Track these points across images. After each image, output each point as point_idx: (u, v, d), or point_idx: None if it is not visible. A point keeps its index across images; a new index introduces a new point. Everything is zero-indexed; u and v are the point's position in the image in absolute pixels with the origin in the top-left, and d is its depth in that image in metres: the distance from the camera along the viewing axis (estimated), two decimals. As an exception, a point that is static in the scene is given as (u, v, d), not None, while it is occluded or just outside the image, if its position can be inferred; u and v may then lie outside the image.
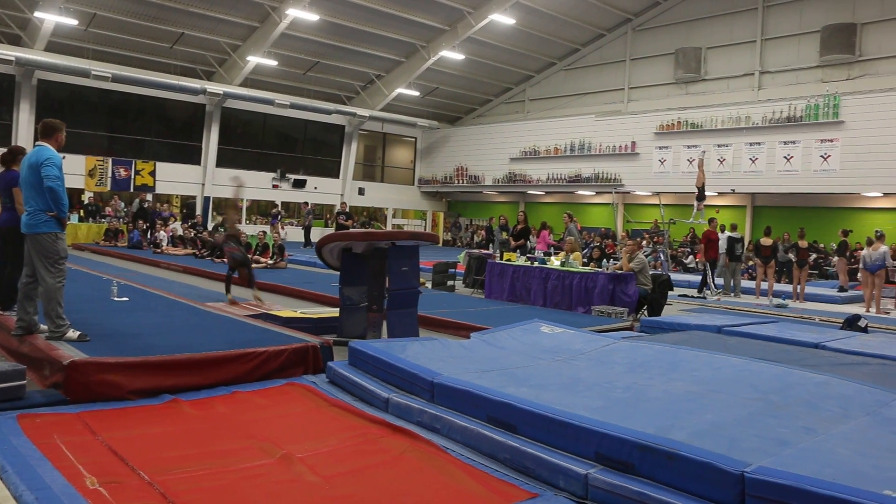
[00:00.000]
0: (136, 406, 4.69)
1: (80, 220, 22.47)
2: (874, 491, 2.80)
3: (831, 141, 19.65)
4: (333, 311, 7.96)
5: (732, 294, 14.56)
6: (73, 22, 21.13)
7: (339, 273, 7.59)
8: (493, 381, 4.61)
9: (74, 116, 23.96)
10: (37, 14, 20.57)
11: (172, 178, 24.98)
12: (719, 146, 21.96)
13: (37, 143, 5.81)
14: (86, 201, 23.44)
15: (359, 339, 6.43)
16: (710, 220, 15.32)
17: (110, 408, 4.60)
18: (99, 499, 3.15)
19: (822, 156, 19.81)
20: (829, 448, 3.45)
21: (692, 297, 13.93)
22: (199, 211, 25.20)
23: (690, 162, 22.49)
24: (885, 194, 19.66)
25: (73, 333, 5.57)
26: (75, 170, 23.27)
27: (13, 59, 20.67)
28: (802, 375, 4.99)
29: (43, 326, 5.69)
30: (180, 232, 21.18)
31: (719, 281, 15.04)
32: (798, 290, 14.11)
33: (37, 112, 22.56)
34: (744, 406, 4.22)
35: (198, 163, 25.76)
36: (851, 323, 9.37)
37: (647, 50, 25.83)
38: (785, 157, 20.52)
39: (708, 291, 14.25)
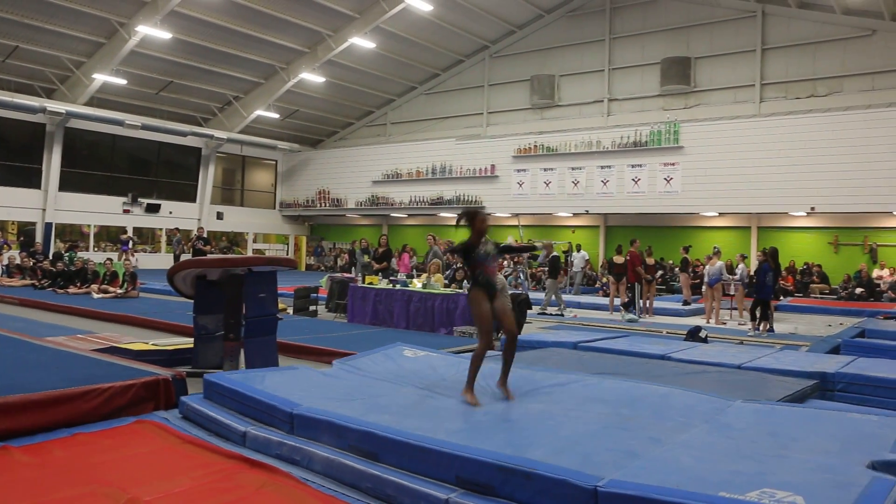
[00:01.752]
0: (-43, 457, 4.23)
1: None
2: (712, 494, 3.01)
3: (673, 164, 21.13)
4: (188, 342, 7.60)
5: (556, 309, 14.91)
6: None
7: (193, 301, 7.27)
8: (355, 409, 4.55)
9: None
10: None
11: (8, 203, 23.05)
12: (573, 169, 23.04)
13: None
14: None
15: (215, 371, 6.16)
16: (632, 241, 14.79)
17: (-74, 460, 4.14)
18: None
19: (665, 178, 21.25)
20: (673, 456, 3.66)
21: (550, 314, 14.44)
22: (39, 238, 23.38)
23: (547, 184, 23.48)
24: (721, 213, 21.39)
25: None
26: None
27: None
28: (649, 388, 5.29)
29: None
30: (18, 261, 19.57)
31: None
32: (646, 305, 14.98)
33: None
34: (596, 421, 4.40)
35: (38, 186, 23.95)
36: (693, 334, 10.07)
37: (505, 76, 26.76)
38: (633, 180, 21.83)
39: (631, 314, 13.94)
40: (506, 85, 26.74)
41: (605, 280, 18.70)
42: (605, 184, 22.41)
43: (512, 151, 24.43)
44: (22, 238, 23.80)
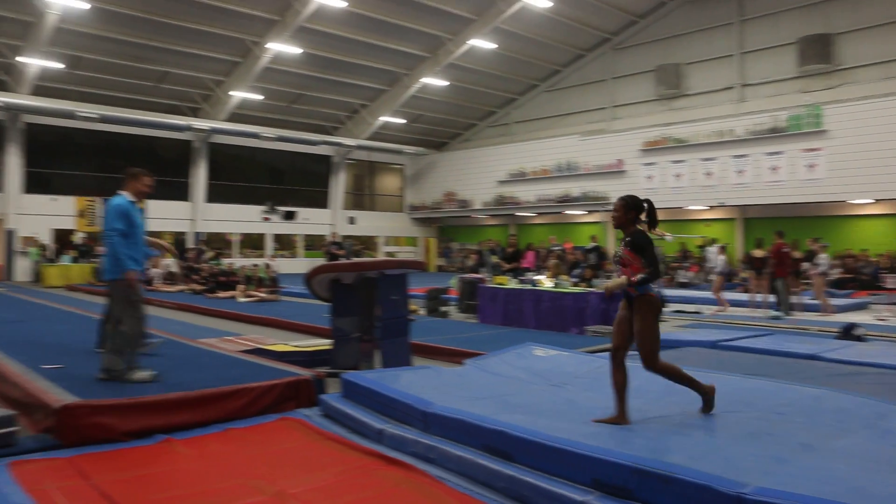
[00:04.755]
0: (128, 447, 4.62)
1: (73, 260, 22.37)
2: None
3: (816, 150, 19.83)
4: (327, 343, 7.91)
5: None
6: (59, 65, 21.21)
7: (329, 304, 7.56)
8: (487, 408, 4.57)
9: (63, 158, 24.11)
10: (19, 59, 20.64)
11: (162, 215, 24.91)
12: (705, 160, 22.14)
13: (119, 191, 6.00)
14: (78, 241, 23.34)
15: (352, 371, 6.38)
16: (778, 232, 13.76)
17: (103, 450, 4.53)
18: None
19: (807, 165, 19.97)
20: (828, 465, 3.42)
21: (687, 312, 13.89)
22: (190, 245, 25.14)
23: (677, 177, 22.66)
24: (878, 200, 19.75)
25: (143, 374, 5.63)
26: (66, 211, 23.29)
27: (1, 104, 20.73)
28: (798, 390, 4.97)
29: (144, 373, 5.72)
30: (174, 269, 21.08)
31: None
32: (795, 302, 14.07)
33: (27, 155, 22.63)
34: (740, 425, 4.19)
35: (186, 198, 25.76)
36: (847, 332, 9.33)
37: (628, 68, 26.09)
38: (771, 168, 20.68)
39: (778, 311, 13.14)
40: (629, 77, 26.07)
41: (744, 276, 17.76)
42: (740, 174, 21.36)
43: (639, 145, 23.79)
44: (176, 248, 25.68)
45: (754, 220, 22.73)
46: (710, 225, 23.67)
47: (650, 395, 4.90)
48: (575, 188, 25.62)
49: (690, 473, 3.19)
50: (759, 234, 16.69)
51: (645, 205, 4.46)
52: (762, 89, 22.79)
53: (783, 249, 13.43)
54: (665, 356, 6.33)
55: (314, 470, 4.21)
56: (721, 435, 3.96)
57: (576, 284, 11.69)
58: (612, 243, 24.26)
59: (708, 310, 14.20)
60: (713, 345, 8.02)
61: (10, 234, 22.61)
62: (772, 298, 13.64)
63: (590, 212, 26.10)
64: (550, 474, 3.64)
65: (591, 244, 16.82)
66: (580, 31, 25.43)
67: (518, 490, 3.67)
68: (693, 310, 14.07)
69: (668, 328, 11.15)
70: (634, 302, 4.31)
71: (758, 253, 14.25)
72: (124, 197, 5.95)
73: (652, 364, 4.29)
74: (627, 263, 4.34)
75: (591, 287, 11.18)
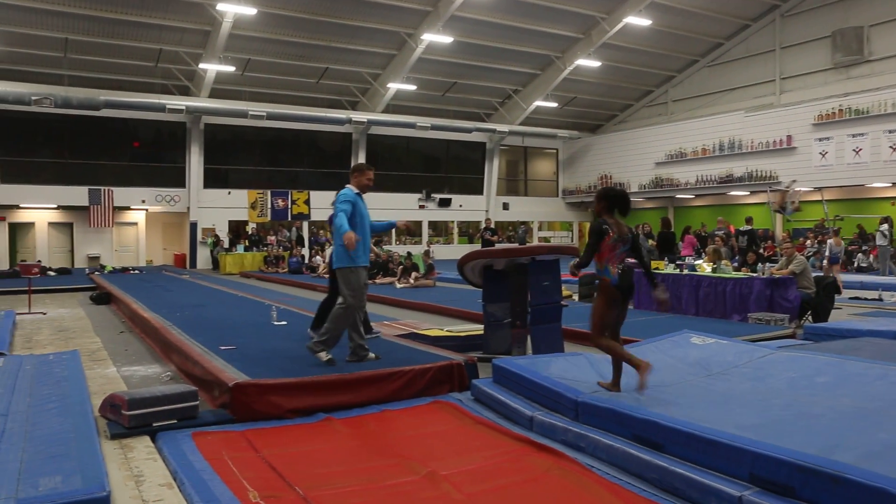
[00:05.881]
0: (293, 424, 4.95)
1: (246, 249, 24.14)
2: None
3: None
4: (479, 329, 8.04)
5: None
6: (231, 69, 22.88)
7: (482, 290, 7.67)
8: (639, 397, 4.47)
9: (236, 155, 26.07)
10: (201, 65, 22.49)
11: (326, 205, 26.23)
12: (890, 132, 20.16)
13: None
14: (249, 232, 25.17)
15: (504, 356, 6.44)
16: None
17: (271, 426, 4.89)
18: (260, 512, 3.36)
19: None
20: None
21: (866, 300, 12.78)
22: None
23: (857, 152, 20.84)
24: None
25: (326, 357, 5.99)
26: (239, 203, 25.15)
27: (184, 107, 22.72)
28: None
29: (372, 355, 6.15)
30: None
31: None
32: None
33: (205, 154, 24.65)
34: (923, 421, 3.82)
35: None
36: None
37: (799, 36, 24.23)
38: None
39: None
40: (801, 46, 24.21)
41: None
42: (932, 146, 19.29)
43: (811, 119, 22.08)
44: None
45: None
46: (895, 203, 21.57)
47: (816, 386, 4.58)
48: (738, 168, 24.23)
49: (863, 475, 2.95)
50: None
51: (613, 195, 4.93)
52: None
53: None
54: (838, 346, 5.89)
55: (465, 453, 4.31)
56: (900, 434, 3.62)
57: (737, 269, 11.10)
58: (779, 226, 22.74)
59: (892, 297, 12.98)
60: (895, 336, 7.31)
61: (193, 226, 24.77)
62: None
63: (752, 192, 24.59)
64: (704, 467, 3.51)
65: (745, 227, 15.81)
66: (745, -1, 23.96)
67: (670, 481, 3.56)
68: (874, 296, 12.93)
69: (843, 316, 10.34)
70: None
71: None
72: (350, 189, 6.43)
73: (594, 340, 4.96)
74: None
75: (753, 272, 10.56)
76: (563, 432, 4.41)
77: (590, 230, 4.85)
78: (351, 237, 5.79)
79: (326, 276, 19.54)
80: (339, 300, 6.19)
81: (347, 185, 6.52)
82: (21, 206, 23.11)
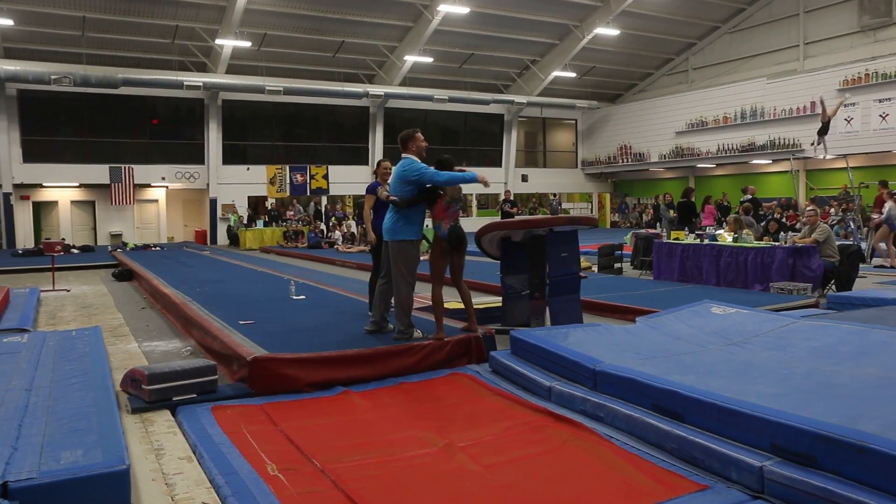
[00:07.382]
0: (311, 398, 4.97)
1: (265, 224, 24.24)
2: None
3: None
4: (497, 301, 8.01)
5: None
6: (247, 44, 22.79)
7: (500, 262, 7.62)
8: (658, 367, 4.42)
9: (254, 130, 26.08)
10: (217, 41, 22.42)
11: (344, 180, 26.30)
12: (918, 96, 19.73)
13: (402, 155, 6.21)
14: (269, 207, 25.26)
15: (522, 328, 6.41)
16: None
17: (289, 399, 4.92)
18: (278, 484, 3.38)
19: None
20: None
21: (891, 268, 12.58)
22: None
23: (884, 118, 20.40)
24: None
25: (417, 333, 5.99)
26: (258, 179, 25.21)
27: (201, 84, 22.72)
28: None
29: (391, 326, 6.22)
30: (354, 230, 22.23)
31: None
32: None
33: (223, 130, 24.68)
34: (950, 389, 3.74)
35: (366, 163, 26.93)
36: None
37: (824, -1, 23.65)
38: None
39: None
40: (825, 9, 23.64)
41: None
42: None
43: (836, 84, 21.60)
44: (357, 210, 27.00)
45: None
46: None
47: (839, 355, 4.50)
48: (761, 136, 23.83)
49: (887, 444, 2.89)
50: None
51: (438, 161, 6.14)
52: None
53: None
54: (864, 315, 5.78)
55: (483, 425, 4.30)
56: (926, 402, 3.54)
57: (759, 238, 10.94)
58: (802, 194, 22.39)
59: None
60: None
61: (212, 203, 24.89)
62: None
63: (775, 161, 24.20)
64: (724, 437, 3.46)
65: (747, 196, 15.13)
66: (767, -38, 23.41)
67: (689, 451, 3.53)
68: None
69: (868, 285, 10.19)
70: None
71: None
72: (413, 158, 6.10)
73: (432, 289, 6.00)
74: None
75: (775, 241, 10.41)
76: (582, 402, 4.38)
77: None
78: (483, 176, 6.02)
79: (347, 250, 19.69)
80: (382, 278, 6.12)
81: (405, 155, 6.11)
82: (44, 185, 23.33)
